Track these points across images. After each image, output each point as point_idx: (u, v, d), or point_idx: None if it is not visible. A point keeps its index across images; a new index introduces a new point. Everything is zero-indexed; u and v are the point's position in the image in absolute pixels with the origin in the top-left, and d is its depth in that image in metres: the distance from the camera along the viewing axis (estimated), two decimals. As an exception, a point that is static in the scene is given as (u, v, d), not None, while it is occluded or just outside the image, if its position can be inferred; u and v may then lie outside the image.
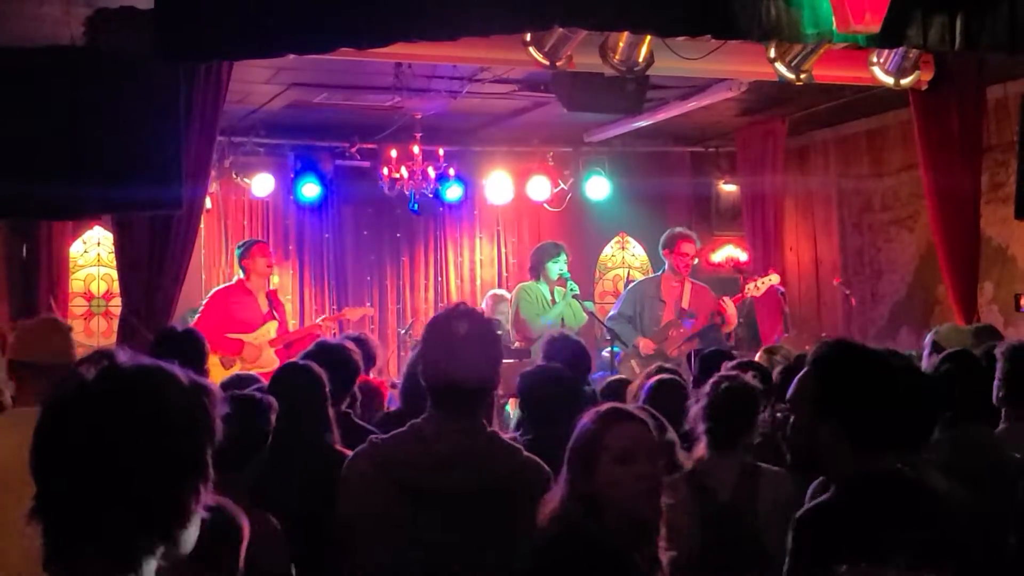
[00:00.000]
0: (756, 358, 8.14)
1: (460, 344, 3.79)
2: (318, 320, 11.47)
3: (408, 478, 3.77)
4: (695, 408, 4.89)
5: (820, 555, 3.21)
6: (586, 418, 3.58)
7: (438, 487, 3.73)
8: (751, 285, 10.84)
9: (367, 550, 3.86)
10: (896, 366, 3.36)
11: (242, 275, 10.32)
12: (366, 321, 12.58)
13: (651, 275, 11.87)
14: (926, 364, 6.26)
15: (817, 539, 3.26)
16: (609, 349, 10.02)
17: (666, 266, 10.77)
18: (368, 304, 12.91)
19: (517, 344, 10.35)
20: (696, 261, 10.92)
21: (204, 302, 10.22)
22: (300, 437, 4.84)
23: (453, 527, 3.72)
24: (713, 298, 10.77)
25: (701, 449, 4.84)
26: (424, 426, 3.85)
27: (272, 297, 10.50)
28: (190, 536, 2.10)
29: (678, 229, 10.97)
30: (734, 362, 5.93)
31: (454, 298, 13.83)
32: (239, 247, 10.70)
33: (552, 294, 10.52)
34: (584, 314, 10.40)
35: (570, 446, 3.56)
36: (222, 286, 10.60)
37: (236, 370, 8.99)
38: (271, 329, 10.09)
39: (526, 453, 3.93)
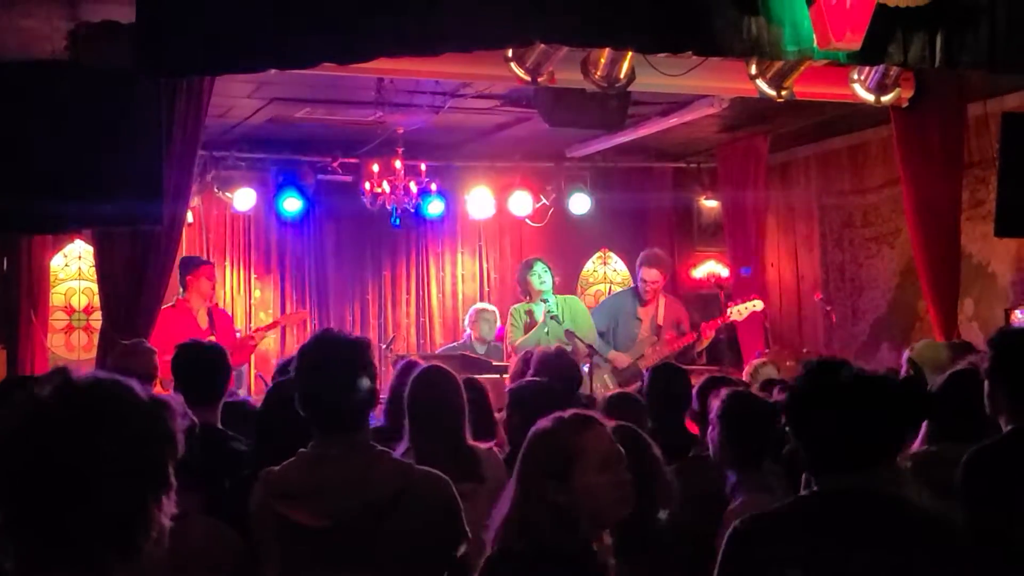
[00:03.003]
0: (744, 375, 8.17)
1: (330, 367, 3.89)
2: (253, 332, 11.39)
3: (291, 507, 3.81)
4: (712, 432, 4.85)
5: (746, 566, 3.23)
6: (549, 425, 3.55)
7: (315, 513, 3.77)
8: (733, 309, 10.88)
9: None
10: (861, 387, 3.35)
11: (182, 291, 10.29)
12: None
13: (625, 289, 11.87)
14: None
15: (745, 550, 3.26)
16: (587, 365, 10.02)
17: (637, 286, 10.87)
18: (308, 310, 12.92)
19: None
20: (659, 284, 10.85)
21: None
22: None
23: (339, 551, 3.75)
24: (685, 313, 10.81)
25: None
26: (308, 453, 3.91)
27: (214, 311, 10.52)
28: (159, 547, 2.11)
29: (644, 253, 10.99)
30: (704, 379, 5.92)
31: (435, 313, 13.85)
32: (184, 262, 10.56)
33: (531, 312, 10.59)
34: (562, 333, 10.37)
35: (531, 456, 3.53)
36: (163, 308, 10.33)
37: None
38: None
39: (419, 467, 3.95)
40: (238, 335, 11.13)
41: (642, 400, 6.25)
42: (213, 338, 9.96)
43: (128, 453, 2.06)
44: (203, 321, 10.30)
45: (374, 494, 3.77)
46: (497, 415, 6.09)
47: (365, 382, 3.91)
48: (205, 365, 5.69)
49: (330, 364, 3.90)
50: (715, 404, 4.89)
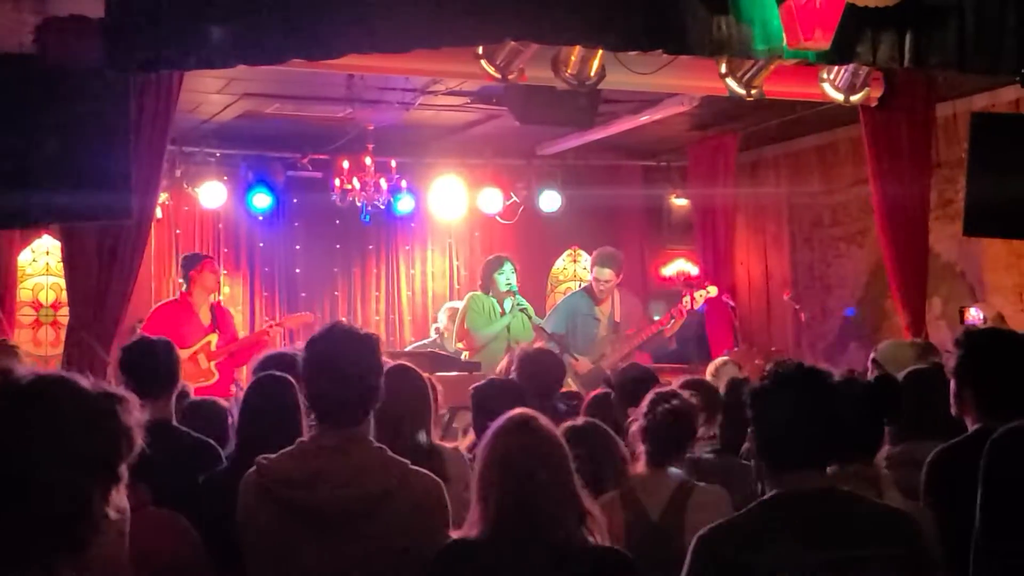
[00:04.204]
0: (707, 375, 8.17)
1: (338, 360, 3.89)
2: (264, 326, 11.39)
3: (284, 494, 3.82)
4: (634, 427, 4.90)
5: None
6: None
7: (309, 501, 3.78)
8: (685, 299, 10.81)
9: (255, 566, 3.88)
10: (817, 390, 3.41)
11: (184, 287, 10.34)
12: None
13: (579, 289, 11.84)
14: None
15: (712, 557, 3.34)
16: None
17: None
18: (313, 313, 12.88)
19: (465, 354, 10.34)
20: (609, 284, 10.76)
21: (146, 317, 10.19)
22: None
23: (328, 541, 3.76)
24: (640, 306, 10.80)
25: (640, 467, 4.86)
26: (307, 444, 3.93)
27: (216, 309, 10.54)
28: (105, 540, 2.09)
29: (597, 252, 10.93)
30: (680, 379, 5.93)
31: (405, 310, 13.85)
32: (186, 258, 10.75)
33: (502, 306, 10.51)
34: (532, 329, 10.34)
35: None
36: (164, 301, 10.59)
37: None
38: (212, 342, 10.07)
39: (414, 467, 3.95)
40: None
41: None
42: (216, 335, 10.04)
43: (69, 449, 2.05)
44: (205, 318, 10.30)
45: (371, 487, 3.79)
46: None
47: (372, 379, 3.92)
48: (152, 359, 5.68)
49: (340, 358, 3.90)
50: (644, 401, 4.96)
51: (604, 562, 3.56)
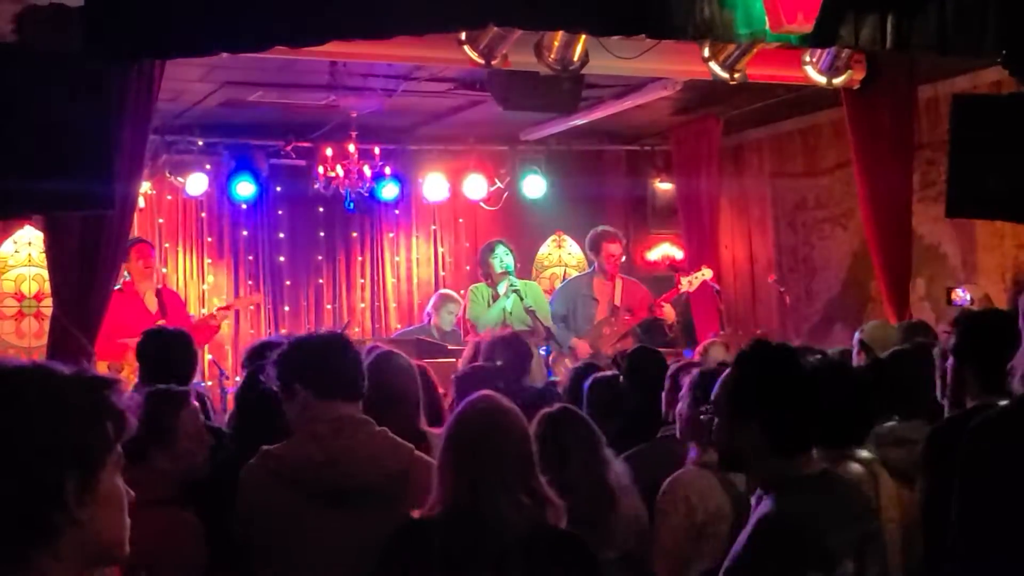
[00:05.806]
0: (695, 356, 8.18)
1: (327, 348, 4.11)
2: (214, 311, 11.31)
3: (300, 477, 3.89)
4: (681, 406, 4.84)
5: (780, 568, 3.27)
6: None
7: (327, 482, 3.85)
8: (684, 280, 10.92)
9: (266, 550, 3.90)
10: (817, 367, 3.44)
11: (127, 274, 10.26)
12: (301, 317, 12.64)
13: (582, 272, 11.89)
14: (856, 362, 6.34)
15: (777, 552, 3.29)
16: (544, 349, 9.99)
17: (595, 266, 10.86)
18: (261, 293, 12.91)
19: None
20: (624, 259, 10.90)
21: None
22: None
23: (344, 521, 3.83)
24: (646, 292, 10.83)
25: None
26: (315, 429, 4.00)
27: (163, 294, 10.43)
28: (76, 542, 2.05)
29: (601, 229, 11.03)
30: (679, 363, 5.91)
31: (390, 297, 13.82)
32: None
33: (496, 289, 10.54)
34: (522, 309, 10.33)
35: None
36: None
37: (125, 374, 8.84)
38: None
39: (417, 452, 4.03)
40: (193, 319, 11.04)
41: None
42: (163, 322, 9.91)
43: (36, 437, 2.01)
44: (152, 304, 10.20)
45: (388, 467, 3.89)
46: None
47: (358, 361, 4.14)
48: (169, 350, 5.67)
49: (328, 347, 4.11)
50: (686, 380, 4.90)
51: (558, 544, 3.55)
